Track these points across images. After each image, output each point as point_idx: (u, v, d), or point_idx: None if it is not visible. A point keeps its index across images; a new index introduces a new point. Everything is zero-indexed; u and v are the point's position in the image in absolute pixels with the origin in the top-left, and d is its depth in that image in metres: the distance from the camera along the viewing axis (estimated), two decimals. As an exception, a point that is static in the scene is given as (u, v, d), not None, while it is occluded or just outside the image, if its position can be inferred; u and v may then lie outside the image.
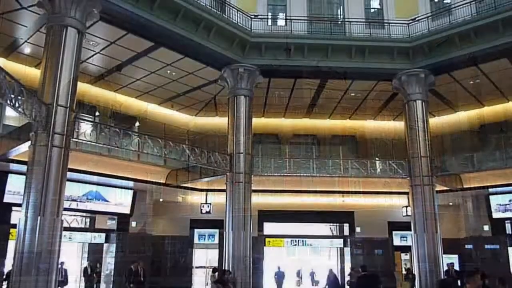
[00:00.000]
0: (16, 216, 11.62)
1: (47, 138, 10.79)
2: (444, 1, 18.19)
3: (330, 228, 23.76)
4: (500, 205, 19.91)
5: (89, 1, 12.07)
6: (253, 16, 17.39)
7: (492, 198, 20.26)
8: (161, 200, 21.57)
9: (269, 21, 18.65)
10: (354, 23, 17.86)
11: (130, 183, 18.71)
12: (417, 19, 17.55)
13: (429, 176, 16.60)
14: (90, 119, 16.63)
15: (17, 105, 9.73)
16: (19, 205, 10.94)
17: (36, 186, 10.48)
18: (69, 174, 11.81)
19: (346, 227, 23.01)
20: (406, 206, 21.04)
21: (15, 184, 14.68)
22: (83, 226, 19.78)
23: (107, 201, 18.72)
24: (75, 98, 11.79)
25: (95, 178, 17.33)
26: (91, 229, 19.70)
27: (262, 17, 17.85)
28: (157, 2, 13.89)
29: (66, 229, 17.73)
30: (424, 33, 16.99)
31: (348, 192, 20.91)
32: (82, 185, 17.73)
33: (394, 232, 22.64)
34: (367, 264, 17.17)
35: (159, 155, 15.24)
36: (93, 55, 15.78)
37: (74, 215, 19.02)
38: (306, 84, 18.56)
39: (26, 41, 14.71)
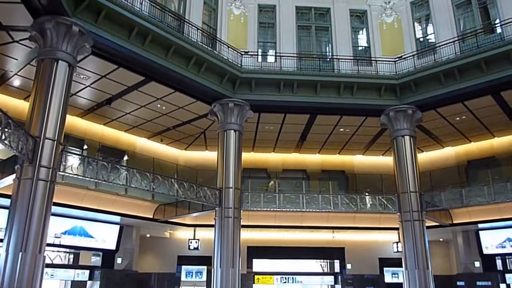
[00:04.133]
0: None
1: (33, 171, 10.60)
2: (429, 40, 18.72)
3: (321, 264, 23.43)
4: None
5: (81, 36, 12.18)
6: (243, 53, 17.69)
7: (482, 233, 20.23)
8: (148, 235, 21.20)
9: (259, 57, 18.98)
10: (342, 60, 18.23)
11: (117, 218, 18.38)
12: (403, 57, 17.99)
13: (419, 212, 16.55)
14: (78, 153, 16.47)
15: (3, 137, 9.59)
16: (0, 240, 10.60)
17: (19, 221, 10.19)
18: (54, 209, 11.54)
19: (336, 263, 22.73)
20: (397, 242, 20.93)
21: (-3, 219, 14.32)
22: (66, 262, 19.25)
23: (91, 237, 18.28)
24: (63, 131, 11.69)
25: (80, 213, 17.01)
26: (75, 265, 19.15)
27: (252, 54, 18.17)
28: (149, 37, 14.07)
29: (49, 265, 17.30)
30: (410, 70, 17.37)
31: (338, 228, 20.77)
32: (66, 220, 17.36)
33: (385, 269, 22.38)
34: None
35: (147, 189, 15.04)
36: (83, 89, 15.80)
37: (57, 251, 18.52)
38: (295, 119, 18.72)
39: (16, 74, 14.71)
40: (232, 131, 17.04)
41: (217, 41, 17.47)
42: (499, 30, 16.43)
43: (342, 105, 17.60)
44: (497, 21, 16.73)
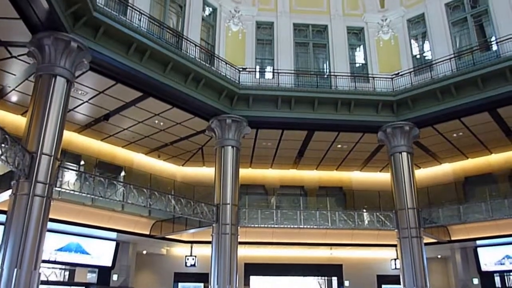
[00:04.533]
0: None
1: (29, 187, 10.53)
2: (426, 57, 18.89)
3: (319, 282, 23.17)
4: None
5: (79, 51, 12.24)
6: (241, 69, 17.80)
7: (480, 250, 20.11)
8: (144, 252, 21.00)
9: (257, 74, 19.07)
10: (339, 77, 18.36)
11: (113, 234, 18.20)
12: (400, 74, 18.15)
13: (417, 228, 16.47)
14: (75, 168, 16.39)
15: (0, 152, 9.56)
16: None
17: (15, 237, 10.10)
18: (50, 224, 11.43)
19: (334, 280, 22.50)
20: (395, 259, 20.78)
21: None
22: (61, 279, 18.97)
23: (87, 253, 18.08)
24: (60, 147, 11.66)
25: (76, 229, 16.84)
26: (70, 282, 18.90)
27: (250, 70, 18.27)
28: (147, 54, 14.15)
29: (44, 282, 16.99)
30: (407, 87, 17.49)
31: (336, 245, 20.62)
32: (62, 236, 17.18)
33: (383, 286, 22.16)
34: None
35: (144, 205, 14.93)
36: (80, 104, 15.80)
37: (53, 268, 18.29)
38: (293, 135, 18.74)
39: (13, 89, 14.72)
40: (230, 147, 17.03)
41: (215, 58, 17.59)
42: (495, 47, 16.61)
43: (339, 121, 17.65)
44: (493, 38, 16.92)
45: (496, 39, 16.55)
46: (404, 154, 17.43)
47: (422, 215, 16.95)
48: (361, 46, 20.18)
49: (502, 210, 16.55)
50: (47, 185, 10.86)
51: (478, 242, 19.51)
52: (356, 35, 20.36)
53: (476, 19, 17.87)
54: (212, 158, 18.16)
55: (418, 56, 19.25)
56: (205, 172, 21.92)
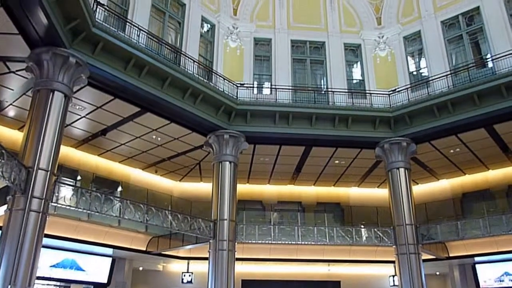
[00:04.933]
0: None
1: (25, 202, 10.45)
2: (422, 74, 19.04)
3: (316, 299, 22.90)
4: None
5: (77, 67, 12.28)
6: (239, 85, 17.88)
7: (478, 267, 19.97)
8: (140, 268, 20.79)
9: (255, 89, 19.15)
10: (337, 93, 18.44)
11: (109, 251, 18.02)
12: (397, 90, 18.25)
13: (415, 244, 16.38)
14: (71, 183, 16.31)
15: (-4, 167, 9.51)
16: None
17: (9, 253, 9.98)
18: (45, 240, 11.33)
19: (332, 297, 22.25)
20: (393, 275, 20.61)
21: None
22: (56, 296, 18.70)
23: (83, 269, 17.86)
24: (57, 162, 11.61)
25: (72, 245, 16.68)
26: (65, 299, 18.62)
27: (248, 86, 18.36)
28: (145, 69, 14.21)
29: (38, 299, 16.78)
30: (404, 103, 17.58)
31: (334, 261, 20.46)
32: (57, 252, 16.99)
33: (382, 304, 21.94)
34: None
35: (141, 221, 14.82)
36: (78, 119, 15.80)
37: (47, 284, 18.03)
38: (291, 151, 18.73)
39: (11, 104, 14.72)
40: (227, 162, 16.99)
41: (213, 73, 17.67)
42: (490, 64, 16.76)
43: (337, 137, 17.68)
44: (488, 55, 17.09)
45: (491, 56, 16.71)
46: (402, 170, 17.43)
47: (420, 231, 16.87)
48: (358, 63, 20.34)
49: (500, 226, 16.47)
50: (43, 200, 10.78)
51: (477, 259, 19.40)
52: (353, 51, 20.54)
53: (472, 36, 18.07)
54: (209, 173, 18.11)
55: (414, 73, 19.41)
56: (203, 187, 21.86)
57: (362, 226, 19.44)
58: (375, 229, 17.85)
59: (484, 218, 17.03)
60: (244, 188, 21.62)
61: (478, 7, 17.87)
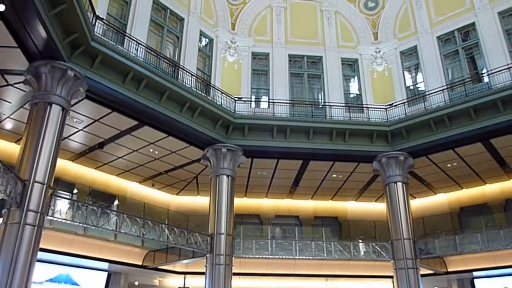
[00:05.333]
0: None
1: (20, 215, 10.36)
2: (419, 88, 19.15)
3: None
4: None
5: (76, 80, 12.30)
6: (237, 99, 17.93)
7: (477, 282, 19.83)
8: (136, 283, 20.55)
9: (253, 103, 19.23)
10: (334, 107, 18.52)
11: (105, 265, 17.84)
12: (394, 104, 18.33)
13: (413, 259, 16.28)
14: (68, 197, 16.21)
15: (-8, 181, 9.46)
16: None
17: (3, 267, 9.85)
18: (40, 254, 11.20)
19: (330, 313, 21.99)
20: (392, 291, 20.42)
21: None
22: (50, 312, 18.43)
23: (77, 284, 17.64)
24: (53, 175, 11.56)
25: (67, 259, 16.50)
26: (59, 315, 18.34)
27: (245, 100, 18.42)
28: (143, 83, 14.25)
29: (32, 315, 16.51)
30: (401, 117, 17.65)
31: (331, 276, 20.26)
32: (52, 267, 16.79)
33: (380, 320, 21.69)
34: None
35: (137, 235, 14.70)
36: (75, 132, 15.77)
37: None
38: (288, 164, 18.71)
39: (8, 117, 14.70)
40: (225, 176, 16.95)
41: (211, 87, 17.73)
42: (486, 79, 16.88)
43: (334, 151, 17.70)
44: (484, 70, 17.22)
45: (487, 71, 16.84)
46: (399, 184, 17.42)
47: (418, 245, 16.79)
48: (356, 77, 20.47)
49: (498, 241, 16.41)
50: (38, 214, 10.70)
51: (475, 274, 19.28)
52: (351, 66, 20.69)
53: (467, 51, 18.24)
54: (207, 187, 18.05)
55: (411, 87, 19.53)
56: (200, 201, 21.77)
57: (360, 241, 19.34)
58: (373, 244, 17.76)
59: (482, 232, 16.98)
60: (242, 202, 21.55)
61: (473, 23, 18.08)
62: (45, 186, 11.02)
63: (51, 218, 12.18)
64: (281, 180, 20.38)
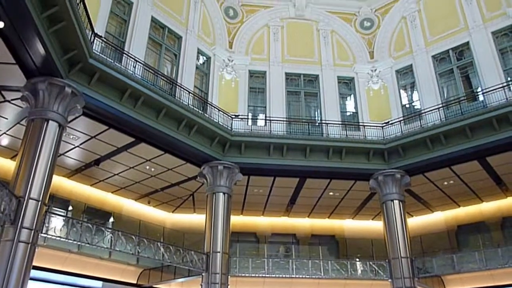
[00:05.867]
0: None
1: (14, 232, 10.24)
2: (415, 107, 19.28)
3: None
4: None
5: (73, 97, 12.33)
6: (234, 116, 17.98)
7: (476, 302, 19.63)
8: (130, 302, 20.20)
9: (250, 121, 19.26)
10: (331, 125, 18.59)
11: (98, 284, 17.55)
12: (390, 122, 18.42)
13: (411, 278, 16.14)
14: (62, 214, 16.06)
15: (-14, 197, 9.38)
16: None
17: (-5, 285, 9.72)
18: (32, 272, 11.04)
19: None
20: (389, 311, 20.17)
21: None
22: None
23: (71, 303, 17.36)
24: (48, 192, 11.48)
25: (60, 277, 16.26)
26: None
27: (242, 117, 18.45)
28: (141, 100, 14.28)
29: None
30: (398, 135, 17.71)
31: (328, 295, 20.04)
32: (44, 285, 16.51)
33: None
34: None
35: (132, 253, 14.54)
36: (71, 149, 15.73)
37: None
38: (285, 182, 18.67)
39: (4, 133, 14.66)
40: (221, 193, 16.87)
41: (208, 104, 17.79)
42: (481, 97, 17.02)
43: (331, 169, 17.68)
44: (479, 89, 17.39)
45: (482, 90, 17.01)
46: (396, 202, 17.37)
47: (415, 264, 16.66)
48: (352, 95, 20.61)
49: (496, 259, 16.31)
50: (32, 231, 10.58)
51: (474, 293, 19.10)
52: (347, 84, 20.84)
53: (462, 70, 18.45)
54: (203, 204, 17.95)
55: (407, 105, 19.65)
56: (196, 219, 21.61)
57: (357, 259, 19.20)
58: (371, 262, 17.62)
59: (480, 251, 16.89)
60: (238, 220, 21.39)
61: (467, 42, 18.33)
62: (40, 203, 10.92)
63: (45, 235, 12.07)
64: (277, 198, 20.30)
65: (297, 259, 18.98)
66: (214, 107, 17.70)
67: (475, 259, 16.82)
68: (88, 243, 13.37)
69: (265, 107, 19.73)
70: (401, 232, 16.84)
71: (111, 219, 19.18)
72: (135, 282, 18.35)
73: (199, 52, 19.22)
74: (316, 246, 21.81)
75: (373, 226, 22.46)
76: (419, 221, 22.13)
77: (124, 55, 15.05)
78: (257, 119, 19.88)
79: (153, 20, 17.44)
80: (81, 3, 11.84)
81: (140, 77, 14.84)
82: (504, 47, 17.46)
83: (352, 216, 22.88)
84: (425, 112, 17.75)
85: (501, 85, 16.13)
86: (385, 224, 17.40)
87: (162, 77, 16.52)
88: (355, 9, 21.63)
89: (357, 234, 22.58)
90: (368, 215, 22.46)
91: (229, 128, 17.40)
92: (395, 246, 16.70)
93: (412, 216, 22.05)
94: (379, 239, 18.73)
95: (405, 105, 19.65)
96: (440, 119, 17.01)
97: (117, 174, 17.93)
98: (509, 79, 16.71)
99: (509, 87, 16.12)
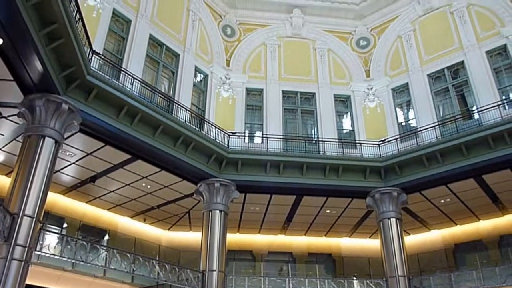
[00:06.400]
0: None
1: (7, 250, 10.11)
2: (411, 125, 19.37)
3: None
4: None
5: (70, 113, 12.32)
6: (231, 133, 18.01)
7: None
8: (124, 322, 19.86)
9: (246, 138, 19.30)
10: (327, 142, 18.63)
11: (92, 303, 17.31)
12: (386, 140, 18.49)
13: (409, 298, 15.99)
14: (57, 231, 15.90)
15: (-20, 214, 9.29)
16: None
17: (-13, 304, 9.56)
18: (26, 291, 10.87)
19: None
20: (387, 331, 19.89)
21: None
22: None
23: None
24: (43, 209, 11.38)
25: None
26: None
27: (239, 135, 18.49)
28: (138, 117, 14.30)
29: None
30: (394, 153, 17.76)
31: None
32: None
33: None
34: None
35: (127, 271, 14.35)
36: (67, 166, 15.66)
37: None
38: (281, 200, 18.61)
39: (0, 149, 14.60)
40: (218, 211, 16.77)
41: (205, 122, 17.82)
42: (476, 116, 17.13)
43: (328, 186, 17.66)
44: (474, 107, 17.51)
45: (477, 108, 17.13)
46: (393, 220, 17.31)
47: (413, 283, 16.52)
48: (348, 113, 20.71)
49: (493, 278, 16.18)
50: (26, 249, 10.45)
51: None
52: (343, 102, 20.96)
53: (458, 89, 18.61)
54: (199, 222, 17.81)
55: (403, 123, 19.74)
56: (192, 236, 21.43)
57: (355, 278, 19.02)
58: (368, 281, 17.44)
59: (477, 270, 16.77)
60: (234, 238, 21.23)
61: (462, 62, 18.53)
62: (34, 220, 10.81)
63: (39, 253, 11.91)
64: (274, 215, 20.20)
65: (294, 277, 18.78)
66: (211, 125, 17.72)
67: (473, 277, 16.68)
68: (83, 261, 13.18)
69: (262, 124, 19.78)
70: (398, 251, 16.73)
71: (106, 237, 19.01)
72: (129, 301, 18.06)
73: (197, 70, 19.34)
74: (313, 264, 21.66)
75: (370, 244, 22.33)
76: (416, 239, 22.03)
77: (122, 72, 15.11)
78: (254, 136, 19.90)
79: (151, 37, 17.57)
80: (80, 20, 11.93)
81: (137, 94, 14.89)
82: (498, 66, 17.66)
83: (349, 234, 22.76)
84: (421, 130, 17.85)
85: (496, 104, 16.27)
86: (382, 242, 17.30)
87: (160, 94, 16.57)
88: (351, 28, 21.92)
89: (354, 253, 22.43)
90: (365, 233, 22.34)
91: (226, 146, 17.41)
92: (392, 264, 16.58)
93: (409, 234, 21.95)
94: (376, 257, 18.59)
95: (401, 123, 19.75)
96: (436, 137, 17.09)
97: (113, 191, 17.82)
98: (503, 97, 16.89)
99: (504, 106, 16.27)
